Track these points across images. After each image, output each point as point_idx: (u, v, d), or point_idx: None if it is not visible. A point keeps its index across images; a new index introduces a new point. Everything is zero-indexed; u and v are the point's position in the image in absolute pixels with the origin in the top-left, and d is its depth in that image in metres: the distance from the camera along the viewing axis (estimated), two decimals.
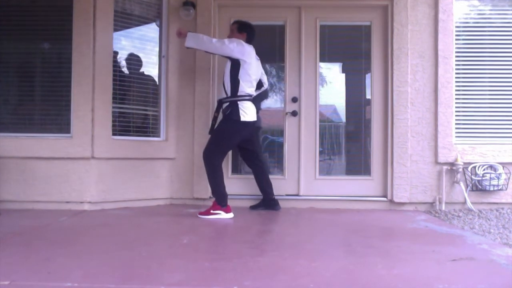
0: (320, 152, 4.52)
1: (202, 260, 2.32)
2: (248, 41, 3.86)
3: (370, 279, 2.03)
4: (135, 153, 4.17)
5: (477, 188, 4.23)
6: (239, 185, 4.45)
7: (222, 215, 3.65)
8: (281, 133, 4.59)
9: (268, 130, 4.86)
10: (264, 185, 4.02)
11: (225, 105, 3.84)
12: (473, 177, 4.22)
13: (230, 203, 4.37)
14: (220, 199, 3.69)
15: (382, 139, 4.44)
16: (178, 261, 2.31)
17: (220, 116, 3.87)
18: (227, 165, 4.49)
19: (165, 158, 4.36)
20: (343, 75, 4.93)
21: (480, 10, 4.53)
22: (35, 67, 4.20)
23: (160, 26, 4.46)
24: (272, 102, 4.88)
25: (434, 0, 4.35)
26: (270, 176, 4.27)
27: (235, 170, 4.58)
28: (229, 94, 3.81)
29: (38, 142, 3.94)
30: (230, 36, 3.86)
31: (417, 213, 4.11)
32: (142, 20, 4.44)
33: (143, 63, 4.45)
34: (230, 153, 4.50)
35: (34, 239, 2.79)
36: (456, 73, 4.38)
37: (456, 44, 4.38)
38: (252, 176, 4.13)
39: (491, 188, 4.19)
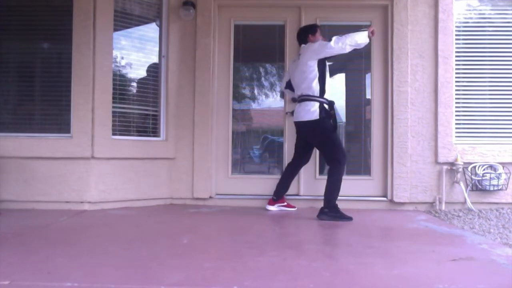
0: None
1: (202, 260, 2.32)
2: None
3: (370, 279, 2.03)
4: (135, 153, 4.17)
5: (477, 188, 4.23)
6: (240, 185, 4.46)
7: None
8: (281, 133, 4.60)
9: (268, 130, 4.86)
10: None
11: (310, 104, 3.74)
12: (473, 177, 4.22)
13: (230, 203, 4.39)
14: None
15: (382, 139, 4.44)
16: (178, 261, 2.31)
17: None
18: (227, 165, 4.49)
19: (165, 158, 4.36)
20: (343, 75, 4.93)
21: (480, 10, 4.53)
22: (35, 67, 4.20)
23: (160, 26, 4.47)
24: (272, 102, 4.88)
25: (434, 0, 4.36)
26: (270, 176, 4.28)
27: (235, 170, 4.58)
28: (314, 93, 3.73)
29: (38, 142, 3.95)
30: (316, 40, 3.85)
31: (417, 213, 4.11)
32: (142, 20, 4.44)
33: (143, 63, 4.45)
34: (230, 152, 4.51)
35: (34, 239, 2.79)
36: (456, 73, 4.38)
37: (456, 44, 4.38)
38: (251, 176, 4.14)
39: (491, 188, 4.19)
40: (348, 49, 3.64)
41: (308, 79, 3.73)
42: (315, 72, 3.71)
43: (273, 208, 4.10)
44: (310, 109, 3.72)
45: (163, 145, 4.38)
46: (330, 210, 3.66)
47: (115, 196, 4.06)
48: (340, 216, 3.63)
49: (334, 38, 3.62)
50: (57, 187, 3.92)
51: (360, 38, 3.62)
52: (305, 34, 3.95)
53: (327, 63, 3.82)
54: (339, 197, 4.30)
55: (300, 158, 4.04)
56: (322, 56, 3.70)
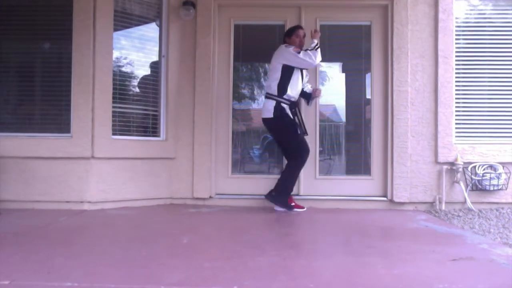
0: (320, 152, 4.52)
1: (202, 260, 2.32)
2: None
3: (370, 279, 2.03)
4: (135, 153, 4.17)
5: (477, 187, 4.22)
6: (240, 185, 4.45)
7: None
8: None
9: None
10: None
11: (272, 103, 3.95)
12: (473, 176, 4.22)
13: (230, 202, 4.39)
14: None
15: (382, 139, 4.44)
16: (178, 261, 2.31)
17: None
18: (227, 164, 4.49)
19: (165, 158, 4.36)
20: (343, 75, 4.93)
21: (480, 10, 4.53)
22: (35, 67, 4.20)
23: (160, 26, 4.46)
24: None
25: (434, 0, 4.35)
26: (270, 176, 4.28)
27: (235, 170, 4.58)
28: (273, 93, 3.95)
29: (38, 142, 3.94)
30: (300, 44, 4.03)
31: (417, 213, 4.11)
32: (142, 20, 4.44)
33: (143, 63, 4.45)
34: (230, 152, 4.51)
35: (34, 239, 2.79)
36: (456, 73, 4.37)
37: (456, 44, 4.38)
38: (251, 176, 4.15)
39: (491, 188, 4.19)
40: (315, 64, 3.93)
41: (271, 78, 3.99)
42: (279, 74, 3.92)
43: (280, 208, 4.08)
44: (268, 107, 3.95)
45: (163, 145, 4.38)
46: (277, 195, 3.92)
47: (115, 196, 4.05)
48: (283, 202, 3.92)
49: (302, 52, 3.87)
50: (57, 187, 3.92)
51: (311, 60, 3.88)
52: (284, 36, 4.11)
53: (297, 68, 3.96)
54: (339, 197, 4.33)
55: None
56: (292, 65, 3.91)
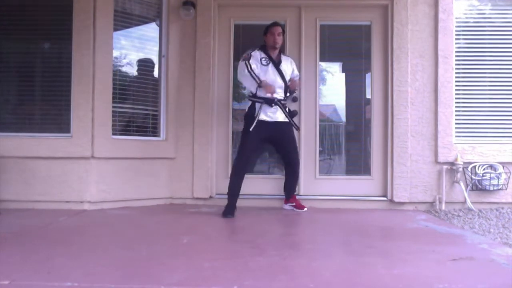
0: (320, 152, 4.52)
1: (202, 260, 2.32)
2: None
3: (370, 279, 2.03)
4: (135, 153, 4.17)
5: (477, 187, 4.23)
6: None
7: None
8: None
9: None
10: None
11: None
12: (473, 176, 4.22)
13: None
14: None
15: (382, 138, 4.44)
16: (178, 261, 2.31)
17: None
18: (227, 164, 4.49)
19: (165, 157, 4.36)
20: (343, 74, 4.93)
21: (480, 9, 4.52)
22: (35, 67, 4.20)
23: (160, 26, 4.46)
24: None
25: (434, 0, 4.35)
26: (270, 176, 4.26)
27: None
28: (251, 94, 3.93)
29: (38, 141, 3.94)
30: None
31: (417, 213, 4.11)
32: (142, 20, 4.44)
33: (143, 63, 4.45)
34: (230, 152, 4.51)
35: (34, 239, 2.79)
36: (456, 73, 4.37)
37: (456, 44, 4.38)
38: (252, 176, 4.17)
39: (491, 188, 4.19)
40: (239, 77, 3.88)
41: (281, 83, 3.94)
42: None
43: (286, 207, 4.14)
44: (247, 107, 3.97)
45: (163, 145, 4.38)
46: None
47: (115, 196, 4.06)
48: (224, 210, 3.73)
49: (243, 62, 3.78)
50: (57, 187, 3.92)
51: (249, 84, 3.84)
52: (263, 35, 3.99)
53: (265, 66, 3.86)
54: (339, 197, 4.32)
55: (280, 157, 4.15)
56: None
